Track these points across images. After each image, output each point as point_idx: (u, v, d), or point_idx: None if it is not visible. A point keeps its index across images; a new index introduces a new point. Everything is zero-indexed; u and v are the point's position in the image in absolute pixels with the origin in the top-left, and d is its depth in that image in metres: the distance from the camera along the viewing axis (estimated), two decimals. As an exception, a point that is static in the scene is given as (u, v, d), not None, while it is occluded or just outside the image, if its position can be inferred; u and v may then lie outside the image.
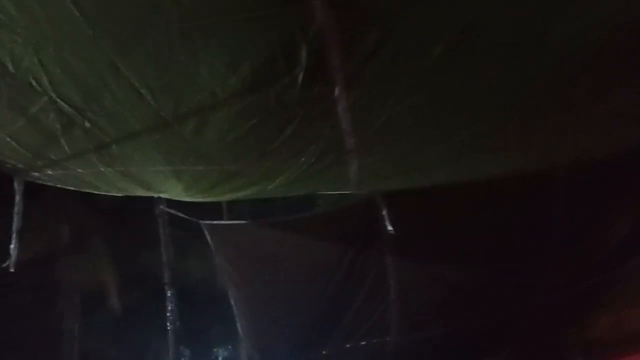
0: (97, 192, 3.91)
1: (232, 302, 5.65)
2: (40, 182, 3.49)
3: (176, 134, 2.56)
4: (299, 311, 5.38)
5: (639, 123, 2.91)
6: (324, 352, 5.40)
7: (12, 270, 3.39)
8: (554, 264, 4.79)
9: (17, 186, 3.31)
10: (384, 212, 4.38)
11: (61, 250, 7.78)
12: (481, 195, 4.37)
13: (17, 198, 3.31)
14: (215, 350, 8.10)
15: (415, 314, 5.12)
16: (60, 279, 7.76)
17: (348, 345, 5.33)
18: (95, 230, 7.94)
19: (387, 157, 3.06)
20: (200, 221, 5.29)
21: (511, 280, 4.87)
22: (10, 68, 2.07)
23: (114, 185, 3.53)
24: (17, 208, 3.33)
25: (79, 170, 3.17)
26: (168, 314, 5.19)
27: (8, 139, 2.70)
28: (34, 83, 2.16)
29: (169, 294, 5.17)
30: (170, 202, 5.00)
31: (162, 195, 4.21)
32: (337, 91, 2.18)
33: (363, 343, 5.29)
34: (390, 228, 4.31)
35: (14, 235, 3.36)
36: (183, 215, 5.04)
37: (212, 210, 5.43)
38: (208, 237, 5.42)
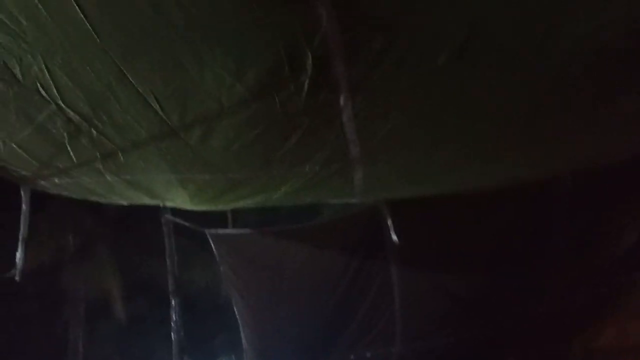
0: (103, 201, 3.92)
1: (236, 311, 5.64)
2: (46, 190, 3.50)
3: (182, 142, 2.57)
4: (303, 320, 5.37)
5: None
6: (328, 362, 5.38)
7: (17, 279, 3.39)
8: (558, 273, 4.77)
9: (24, 195, 3.32)
10: (389, 221, 4.37)
11: (67, 258, 7.81)
12: (485, 204, 4.36)
13: (24, 207, 3.32)
14: (219, 359, 8.09)
15: (420, 323, 5.10)
16: (65, 287, 7.78)
17: (352, 357, 5.31)
18: (101, 239, 7.97)
19: (391, 166, 3.07)
20: (205, 230, 5.30)
21: (515, 289, 4.85)
22: (18, 76, 2.09)
23: (120, 193, 3.54)
24: (24, 217, 3.34)
25: (86, 178, 3.18)
26: (172, 323, 5.18)
27: (15, 147, 2.71)
28: (41, 91, 2.17)
29: (173, 303, 5.16)
30: (176, 211, 5.00)
31: (168, 204, 4.22)
32: (341, 99, 2.18)
33: (368, 354, 5.27)
34: (394, 237, 4.31)
35: (20, 244, 3.37)
36: (188, 224, 5.04)
37: (217, 219, 5.44)
38: (213, 246, 5.43)
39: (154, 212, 5.01)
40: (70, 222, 7.73)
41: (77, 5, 1.68)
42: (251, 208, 4.30)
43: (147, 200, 3.83)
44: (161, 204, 4.20)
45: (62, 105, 2.27)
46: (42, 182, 3.31)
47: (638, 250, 4.71)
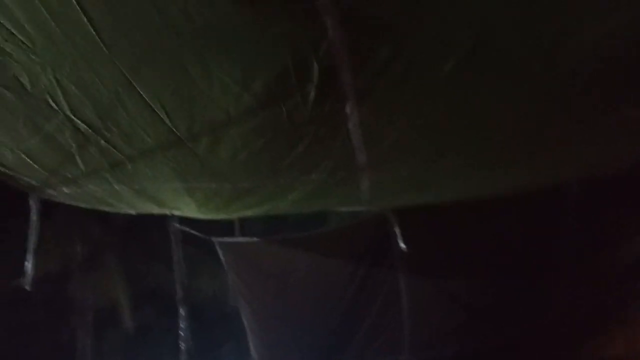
0: (111, 210, 3.94)
1: (244, 319, 5.65)
2: (55, 199, 3.52)
3: (190, 151, 2.58)
4: (310, 329, 5.36)
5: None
6: (336, 371, 5.36)
7: (28, 288, 3.41)
8: (567, 280, 4.73)
9: (33, 204, 3.34)
10: (396, 229, 4.37)
11: (74, 267, 7.83)
12: (493, 212, 4.35)
13: (33, 216, 3.34)
14: (226, 368, 8.07)
15: (428, 331, 5.07)
16: (73, 295, 7.81)
17: (360, 365, 5.29)
18: (108, 248, 8.00)
19: (398, 173, 3.07)
20: (213, 238, 5.31)
21: (522, 297, 4.82)
22: (27, 86, 2.11)
23: (128, 202, 3.55)
24: (33, 226, 3.36)
25: (94, 188, 3.20)
26: (180, 332, 5.18)
27: (24, 157, 2.73)
28: (50, 101, 2.19)
29: (181, 312, 5.17)
30: (183, 220, 5.02)
31: (175, 213, 4.23)
32: (348, 107, 2.19)
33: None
34: (402, 245, 4.30)
35: (29, 253, 3.38)
36: (195, 233, 5.06)
37: (224, 227, 5.45)
38: (220, 255, 5.44)
39: (161, 221, 5.04)
40: (78, 231, 7.75)
41: (86, 16, 1.70)
42: (258, 216, 4.31)
43: (154, 209, 3.84)
44: (169, 213, 4.22)
45: (71, 115, 2.28)
46: (51, 191, 3.33)
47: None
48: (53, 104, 2.21)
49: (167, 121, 2.29)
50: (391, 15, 1.71)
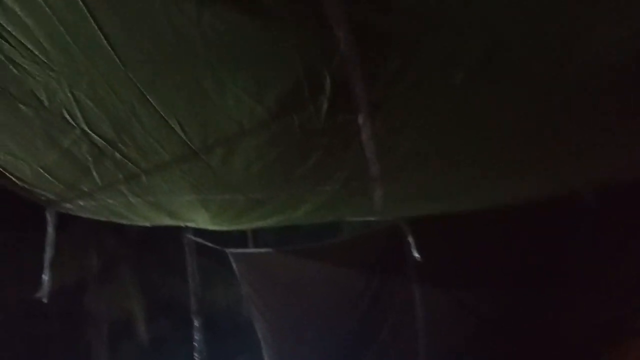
0: (126, 222, 3.98)
1: (258, 330, 5.65)
2: (71, 212, 3.56)
3: (204, 164, 2.61)
4: (324, 340, 5.35)
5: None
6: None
7: (45, 300, 3.45)
8: (582, 290, 4.68)
9: (49, 217, 3.39)
10: (410, 239, 4.36)
11: (89, 279, 7.88)
12: (508, 220, 4.33)
13: (49, 229, 3.39)
14: (241, 379, 8.06)
15: (443, 343, 5.04)
16: (88, 307, 7.85)
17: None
18: (123, 260, 8.04)
19: (411, 184, 3.07)
20: (226, 250, 5.33)
21: (538, 308, 4.77)
22: (45, 102, 2.15)
23: (143, 215, 3.59)
24: (49, 239, 3.40)
25: (110, 201, 3.23)
26: (195, 343, 5.20)
27: (41, 171, 2.78)
28: (67, 116, 2.23)
29: (195, 323, 5.19)
30: (197, 231, 5.05)
31: (189, 225, 4.26)
32: (360, 119, 2.20)
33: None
34: (416, 255, 4.29)
35: (46, 266, 3.42)
36: (209, 244, 5.09)
37: (237, 238, 5.48)
38: (234, 266, 5.46)
39: (175, 233, 5.08)
40: (93, 243, 7.81)
41: (102, 33, 1.74)
42: (271, 227, 4.33)
43: (169, 221, 3.87)
44: (183, 225, 4.25)
45: (87, 129, 2.32)
46: (67, 205, 3.37)
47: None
48: (70, 119, 2.25)
49: (182, 134, 2.32)
50: (402, 26, 1.72)
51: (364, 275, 5.05)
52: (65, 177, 2.89)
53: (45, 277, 3.44)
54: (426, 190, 3.26)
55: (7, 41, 1.81)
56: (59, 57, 1.89)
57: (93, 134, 2.36)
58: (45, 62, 1.91)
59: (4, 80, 2.04)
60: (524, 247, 4.56)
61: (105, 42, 1.78)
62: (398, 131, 2.36)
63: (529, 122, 2.36)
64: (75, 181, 2.94)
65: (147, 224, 3.99)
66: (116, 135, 2.36)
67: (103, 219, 3.79)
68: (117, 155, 2.54)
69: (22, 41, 1.81)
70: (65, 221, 3.60)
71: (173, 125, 2.25)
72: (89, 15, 1.67)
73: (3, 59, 1.90)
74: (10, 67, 1.94)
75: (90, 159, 2.60)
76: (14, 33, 1.77)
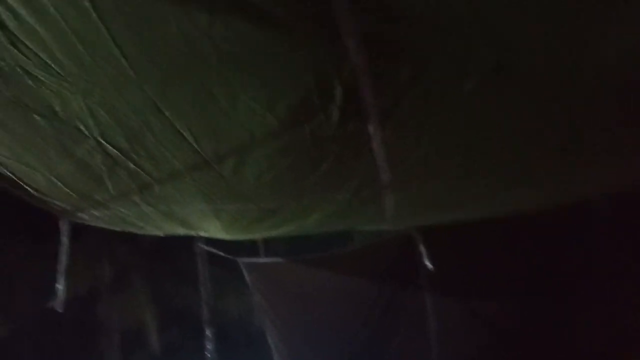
0: (139, 232, 4.00)
1: (269, 339, 5.65)
2: (84, 222, 3.59)
3: (216, 173, 2.63)
4: (336, 349, 5.33)
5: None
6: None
7: (59, 310, 3.47)
8: (598, 299, 4.63)
9: (63, 227, 3.42)
10: (422, 248, 4.35)
11: (103, 288, 7.93)
12: (521, 229, 4.30)
13: (64, 239, 3.41)
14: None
15: (456, 353, 4.99)
16: (101, 317, 7.89)
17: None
18: (136, 269, 8.09)
19: (422, 193, 3.06)
20: (238, 259, 5.34)
21: (552, 317, 4.72)
22: (59, 112, 2.17)
23: (156, 224, 3.61)
24: (63, 249, 3.43)
25: (123, 210, 3.26)
26: (207, 352, 5.20)
27: (56, 181, 2.80)
28: (80, 126, 2.26)
29: (207, 333, 5.19)
30: (209, 241, 5.06)
31: (202, 234, 4.28)
32: (371, 127, 2.20)
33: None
34: (428, 264, 4.27)
35: (60, 276, 3.45)
36: (221, 254, 5.10)
37: (248, 248, 5.49)
38: (245, 275, 5.46)
39: (187, 242, 5.09)
40: (106, 253, 7.87)
41: (116, 45, 1.76)
42: (282, 236, 4.33)
43: (181, 231, 3.89)
44: (195, 234, 4.27)
45: (101, 139, 2.35)
46: (81, 214, 3.40)
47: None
48: (83, 129, 2.27)
49: (194, 144, 2.34)
50: (412, 36, 1.73)
51: (375, 284, 5.03)
52: (79, 187, 2.91)
53: (60, 287, 3.47)
54: (437, 199, 3.25)
55: (22, 52, 1.83)
56: (73, 68, 1.91)
57: (106, 144, 2.38)
58: (59, 73, 1.94)
59: (18, 91, 2.07)
60: (537, 256, 4.53)
61: (118, 53, 1.80)
62: (408, 139, 2.36)
63: (539, 130, 2.36)
64: (89, 191, 2.96)
65: (160, 234, 4.02)
66: (129, 145, 2.39)
67: (116, 228, 3.82)
68: (130, 165, 2.57)
69: (37, 52, 1.83)
70: (79, 231, 3.63)
71: (185, 135, 2.27)
72: (102, 26, 1.69)
73: (18, 70, 1.93)
74: (25, 78, 1.97)
75: (103, 168, 2.62)
76: (28, 44, 1.80)
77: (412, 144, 2.39)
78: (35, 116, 2.21)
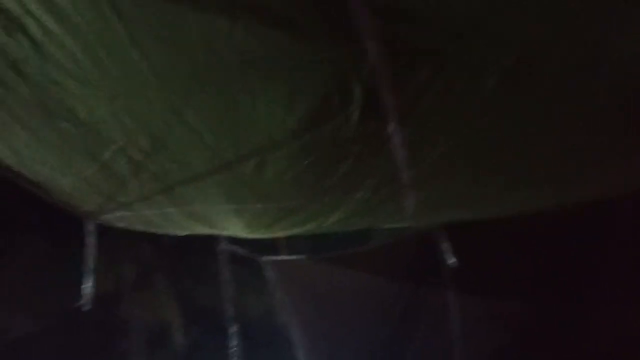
0: (161, 232, 4.06)
1: (293, 337, 5.68)
2: (108, 223, 3.65)
3: (237, 174, 2.66)
4: (359, 347, 5.34)
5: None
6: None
7: (86, 309, 3.54)
8: (623, 301, 4.53)
9: (89, 228, 3.48)
10: (443, 245, 4.33)
11: (126, 288, 8.03)
12: (543, 227, 4.25)
13: (90, 240, 3.48)
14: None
15: (480, 353, 4.96)
16: (125, 316, 7.99)
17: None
18: (159, 269, 8.17)
19: (443, 191, 3.06)
20: (259, 257, 5.38)
21: (577, 316, 4.66)
22: (85, 118, 2.22)
23: (179, 224, 3.66)
24: (89, 249, 3.49)
25: (146, 211, 3.31)
26: (230, 350, 5.26)
27: (82, 184, 2.86)
28: (105, 132, 2.31)
29: (231, 330, 5.25)
30: (230, 239, 5.11)
31: (223, 233, 4.32)
32: (390, 127, 2.21)
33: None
34: (450, 261, 4.26)
35: (86, 275, 3.52)
36: (243, 252, 5.14)
37: (270, 246, 5.52)
38: (267, 273, 5.50)
39: (209, 241, 5.15)
40: (129, 253, 7.96)
41: (138, 50, 1.79)
42: (303, 235, 4.36)
43: (204, 230, 3.94)
44: (217, 233, 4.31)
45: (125, 143, 2.39)
46: (105, 216, 3.46)
47: None
48: (108, 134, 2.32)
49: (216, 146, 2.38)
50: (431, 36, 1.74)
51: (396, 282, 5.03)
52: (104, 190, 2.97)
53: (86, 287, 3.53)
54: (457, 197, 3.24)
55: (46, 59, 1.88)
56: (97, 75, 1.96)
57: (130, 148, 2.43)
58: (83, 80, 1.98)
59: (44, 97, 2.12)
60: (557, 254, 4.46)
61: (140, 58, 1.83)
62: (428, 139, 2.36)
63: (559, 129, 2.34)
64: (113, 193, 3.02)
65: (183, 233, 4.07)
66: (152, 148, 2.43)
67: (140, 229, 3.88)
68: (154, 167, 2.61)
69: (61, 59, 1.88)
70: (102, 231, 3.69)
71: (207, 138, 2.31)
72: (124, 33, 1.73)
73: (43, 76, 1.97)
74: (50, 84, 2.02)
75: (127, 171, 2.67)
76: (53, 52, 1.84)
77: (432, 143, 2.39)
78: (61, 121, 2.26)
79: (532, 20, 1.69)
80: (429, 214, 3.84)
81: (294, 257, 5.49)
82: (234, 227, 3.79)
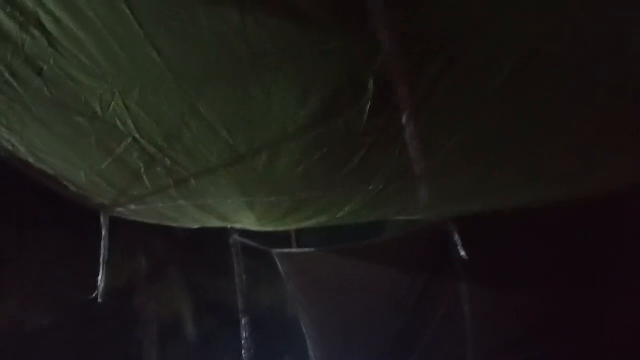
0: (175, 225, 4.08)
1: (304, 329, 5.69)
2: (122, 216, 3.68)
3: (250, 167, 2.67)
4: (371, 339, 5.35)
5: None
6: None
7: (100, 300, 3.57)
8: (636, 293, 4.51)
9: (104, 221, 3.51)
10: (456, 237, 4.32)
11: (139, 281, 8.08)
12: (555, 219, 4.23)
13: (104, 232, 3.51)
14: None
15: (492, 345, 4.95)
16: (138, 308, 8.05)
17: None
18: (171, 261, 8.21)
19: (456, 183, 3.05)
20: (272, 250, 5.39)
21: (589, 307, 4.63)
22: (99, 112, 2.23)
23: (192, 217, 3.68)
24: (104, 242, 3.52)
25: (160, 204, 3.33)
26: (243, 341, 5.28)
27: (96, 178, 2.89)
28: (119, 125, 2.32)
29: (243, 322, 5.28)
30: (242, 232, 5.13)
31: (236, 226, 4.34)
32: (404, 119, 2.21)
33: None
34: (463, 253, 4.25)
35: (101, 267, 3.55)
36: (255, 245, 5.15)
37: (282, 238, 5.52)
38: (279, 266, 5.52)
39: (221, 234, 5.16)
40: (142, 246, 8.00)
41: (154, 47, 1.80)
42: (315, 227, 4.37)
43: (216, 223, 3.96)
44: (229, 226, 4.33)
45: (139, 137, 2.41)
46: (119, 209, 3.49)
47: None
48: (122, 128, 2.33)
49: (229, 139, 2.39)
50: (445, 27, 1.73)
51: (409, 274, 5.02)
52: (118, 183, 2.99)
53: (101, 279, 3.57)
54: (470, 189, 3.24)
55: (62, 54, 1.89)
56: (111, 69, 1.97)
57: (144, 141, 2.44)
58: (98, 74, 1.99)
59: (59, 92, 2.13)
60: (574, 246, 4.43)
61: (154, 53, 1.84)
62: (441, 130, 2.36)
63: (570, 122, 2.33)
64: (128, 186, 3.04)
65: (195, 226, 4.09)
66: (166, 142, 2.44)
67: (153, 221, 3.90)
68: (167, 161, 2.63)
69: (76, 54, 1.89)
70: (115, 224, 3.72)
71: (220, 131, 2.32)
72: (138, 27, 1.74)
73: (58, 71, 1.99)
74: (66, 79, 2.03)
75: (141, 165, 2.69)
76: (68, 46, 1.85)
77: (444, 134, 2.39)
78: (76, 115, 2.27)
79: (542, 16, 1.69)
80: (441, 207, 3.84)
81: (306, 249, 5.50)
82: (246, 220, 3.81)
